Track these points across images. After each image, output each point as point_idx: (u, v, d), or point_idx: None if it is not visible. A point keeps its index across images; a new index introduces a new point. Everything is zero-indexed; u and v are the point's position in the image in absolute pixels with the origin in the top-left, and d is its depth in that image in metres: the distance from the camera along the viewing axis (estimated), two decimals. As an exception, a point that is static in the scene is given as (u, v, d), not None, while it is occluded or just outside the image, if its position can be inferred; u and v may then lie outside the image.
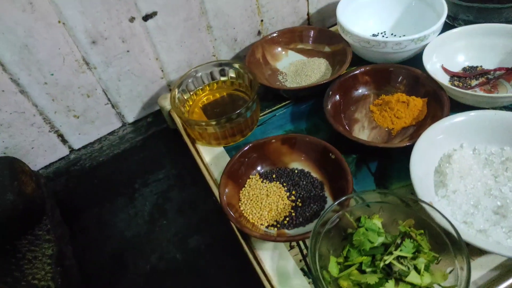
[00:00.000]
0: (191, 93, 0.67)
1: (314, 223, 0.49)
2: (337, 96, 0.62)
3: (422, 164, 0.49)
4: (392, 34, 0.75)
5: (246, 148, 0.56)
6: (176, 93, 0.64)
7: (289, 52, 0.74)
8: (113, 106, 0.71)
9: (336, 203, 0.44)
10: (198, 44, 0.71)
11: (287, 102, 0.68)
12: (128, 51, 0.65)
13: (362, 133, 0.59)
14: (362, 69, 0.63)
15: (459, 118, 0.52)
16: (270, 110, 0.67)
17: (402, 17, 0.74)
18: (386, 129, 0.59)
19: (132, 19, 0.63)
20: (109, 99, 0.70)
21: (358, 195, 0.45)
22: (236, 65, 0.66)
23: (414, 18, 0.72)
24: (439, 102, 0.57)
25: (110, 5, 0.59)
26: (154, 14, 0.64)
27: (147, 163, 0.70)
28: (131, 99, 0.72)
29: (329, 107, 0.59)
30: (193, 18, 0.67)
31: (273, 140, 0.56)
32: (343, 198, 0.44)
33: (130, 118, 0.75)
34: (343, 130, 0.55)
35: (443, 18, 0.63)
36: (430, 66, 0.61)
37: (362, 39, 0.64)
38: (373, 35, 0.75)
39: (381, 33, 0.75)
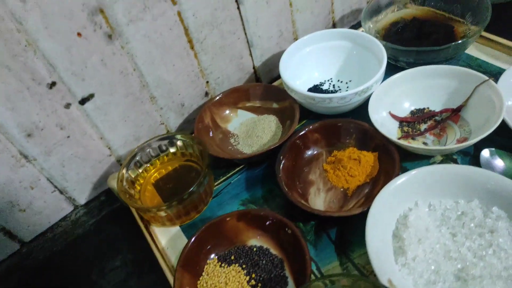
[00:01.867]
0: (141, 170, 0.65)
1: (276, 312, 0.47)
2: (289, 160, 0.60)
3: (379, 231, 0.48)
4: (338, 80, 0.74)
5: (200, 232, 0.53)
6: (124, 173, 0.61)
7: (238, 111, 0.73)
8: (61, 192, 0.67)
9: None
10: (144, 116, 0.69)
11: (241, 167, 0.66)
12: (68, 136, 0.62)
13: (318, 196, 0.58)
14: (311, 127, 0.62)
15: (409, 176, 0.51)
16: (224, 177, 0.65)
17: (346, 64, 0.74)
18: (342, 190, 0.58)
19: (67, 106, 0.60)
20: (55, 186, 0.66)
21: (327, 278, 0.43)
22: (183, 138, 0.64)
23: (359, 64, 0.72)
24: (390, 157, 0.56)
25: (41, 96, 0.57)
26: (91, 96, 0.61)
27: (103, 248, 0.66)
28: (79, 182, 0.68)
29: (281, 174, 0.57)
30: (133, 92, 0.65)
31: (228, 218, 0.54)
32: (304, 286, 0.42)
33: (82, 200, 0.71)
34: (298, 201, 0.54)
35: (383, 67, 0.63)
36: (377, 117, 0.61)
37: (307, 96, 0.63)
38: (320, 83, 0.75)
39: (328, 80, 0.75)
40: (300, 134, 0.62)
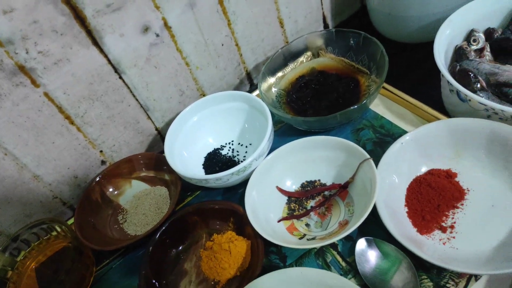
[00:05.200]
0: (19, 258, 0.62)
1: None
2: (163, 247, 0.57)
3: None
4: (239, 143, 0.70)
5: None
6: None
7: (133, 182, 0.69)
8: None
9: None
10: (30, 195, 0.66)
11: (123, 249, 0.63)
12: None
13: (188, 290, 0.54)
14: (190, 209, 0.59)
15: (266, 278, 0.47)
16: (108, 260, 0.62)
17: (246, 126, 0.70)
18: (213, 283, 0.54)
19: None
20: None
21: None
22: (60, 226, 0.61)
23: (256, 127, 0.67)
24: (257, 250, 0.52)
25: None
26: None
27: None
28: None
29: (145, 270, 0.54)
30: (11, 175, 0.63)
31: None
32: None
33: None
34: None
35: (264, 141, 0.58)
36: (253, 199, 0.56)
37: (185, 177, 0.59)
38: (221, 146, 0.71)
39: (229, 143, 0.71)
40: (177, 217, 0.58)
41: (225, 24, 0.72)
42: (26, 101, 0.58)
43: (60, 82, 0.60)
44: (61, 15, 0.55)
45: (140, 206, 0.66)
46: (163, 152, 0.64)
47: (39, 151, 0.63)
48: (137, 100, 0.69)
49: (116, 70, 0.64)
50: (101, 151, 0.71)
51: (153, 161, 0.68)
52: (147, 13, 0.62)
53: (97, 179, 0.67)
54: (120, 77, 0.65)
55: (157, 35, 0.65)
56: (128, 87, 0.67)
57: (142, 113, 0.71)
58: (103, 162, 0.72)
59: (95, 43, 0.60)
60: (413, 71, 0.74)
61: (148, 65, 0.67)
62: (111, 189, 0.68)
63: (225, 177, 0.57)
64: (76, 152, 0.67)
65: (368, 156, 0.54)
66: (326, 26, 0.89)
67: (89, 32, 0.58)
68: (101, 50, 0.61)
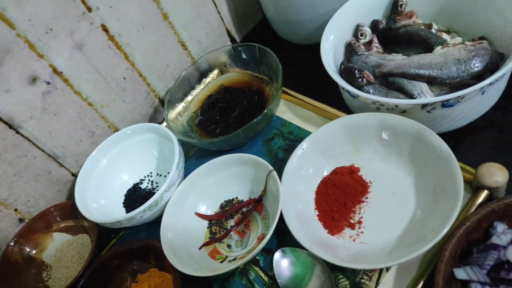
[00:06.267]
0: None
1: None
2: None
3: None
4: (158, 174, 0.69)
5: None
6: None
7: (54, 235, 0.67)
8: None
9: None
10: None
11: (52, 307, 0.61)
12: None
13: (117, 339, 0.53)
14: (109, 254, 0.57)
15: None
16: (36, 323, 0.60)
17: (161, 156, 0.69)
18: (141, 325, 0.53)
19: None
20: None
21: None
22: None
23: (170, 156, 0.67)
24: (176, 284, 0.51)
25: None
26: None
27: None
28: None
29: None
30: None
31: None
32: None
33: None
34: None
35: (173, 170, 0.58)
36: (170, 233, 0.56)
37: (98, 222, 0.58)
38: (140, 180, 0.69)
39: (148, 176, 0.70)
40: (96, 265, 0.57)
41: (122, 58, 0.71)
42: None
43: None
44: None
45: (63, 259, 0.63)
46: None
47: None
48: (42, 150, 0.67)
49: (10, 126, 0.62)
50: (15, 210, 0.68)
51: (68, 209, 0.66)
52: (31, 63, 0.60)
53: (13, 241, 0.64)
54: (18, 132, 0.63)
55: (48, 83, 0.63)
56: (30, 140, 0.64)
57: (52, 162, 0.69)
58: (21, 220, 0.69)
59: (-21, 104, 0.57)
60: (316, 71, 0.76)
61: (46, 114, 0.65)
62: (29, 248, 0.65)
63: (138, 215, 0.56)
64: (-14, 216, 0.64)
65: (271, 168, 0.55)
66: (233, 40, 0.89)
67: (-30, 94, 0.56)
68: (-12, 110, 0.59)
